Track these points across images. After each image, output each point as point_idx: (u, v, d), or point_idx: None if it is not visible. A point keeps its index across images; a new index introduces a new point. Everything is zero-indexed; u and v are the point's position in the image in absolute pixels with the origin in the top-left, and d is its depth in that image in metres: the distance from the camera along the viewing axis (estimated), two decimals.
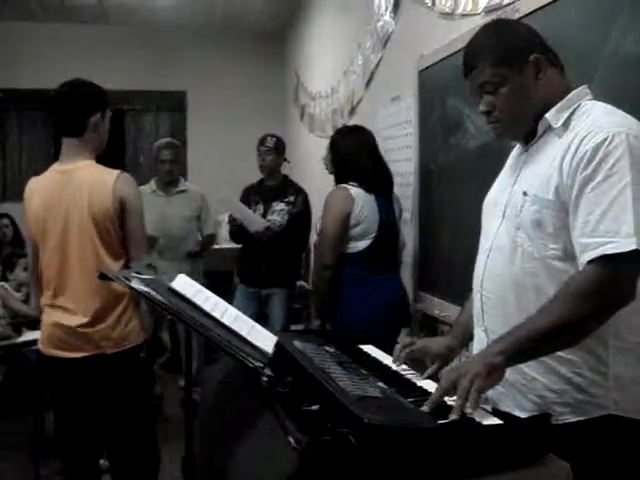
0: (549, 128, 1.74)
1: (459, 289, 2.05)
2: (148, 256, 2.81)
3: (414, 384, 1.77)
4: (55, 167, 2.85)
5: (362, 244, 3.46)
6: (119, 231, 2.76)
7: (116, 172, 2.80)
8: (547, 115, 1.72)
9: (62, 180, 2.77)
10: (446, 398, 1.56)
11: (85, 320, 2.72)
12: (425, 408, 1.51)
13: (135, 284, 1.76)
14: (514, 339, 1.60)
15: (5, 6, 7.55)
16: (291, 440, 1.30)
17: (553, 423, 1.56)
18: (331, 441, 1.27)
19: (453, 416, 1.46)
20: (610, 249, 1.53)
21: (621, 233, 1.52)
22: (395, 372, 1.88)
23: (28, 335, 4.48)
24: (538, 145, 1.78)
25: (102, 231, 2.72)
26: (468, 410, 1.47)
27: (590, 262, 1.56)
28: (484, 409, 1.60)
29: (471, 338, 1.96)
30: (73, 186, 2.74)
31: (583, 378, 1.64)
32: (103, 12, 7.85)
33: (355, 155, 3.53)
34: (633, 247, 1.51)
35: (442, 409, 1.53)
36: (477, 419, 1.48)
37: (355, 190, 3.45)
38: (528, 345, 1.60)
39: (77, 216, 2.72)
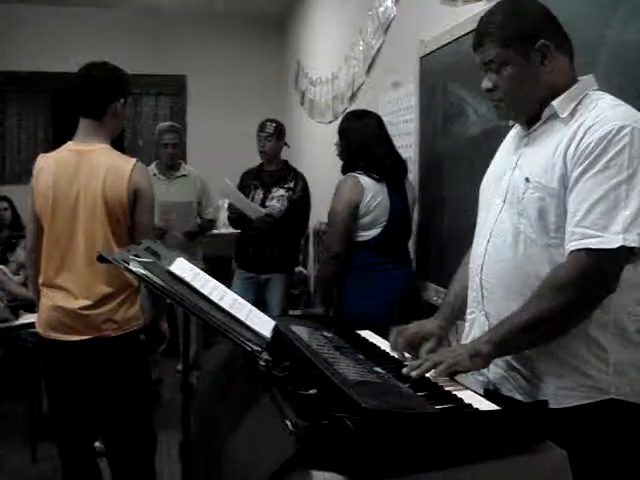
0: (554, 115, 1.73)
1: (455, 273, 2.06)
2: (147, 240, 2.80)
3: None
4: (69, 146, 2.83)
5: (372, 233, 3.44)
6: (129, 220, 2.76)
7: (132, 160, 2.80)
8: (554, 102, 1.72)
9: (76, 160, 2.75)
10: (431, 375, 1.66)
11: (87, 303, 2.71)
12: (406, 370, 1.63)
13: (133, 267, 1.76)
14: (500, 330, 1.66)
15: None
16: (288, 424, 1.30)
17: (556, 407, 1.59)
18: (328, 425, 1.27)
19: (413, 372, 1.62)
20: (595, 243, 1.54)
21: (609, 229, 1.53)
22: (392, 357, 1.89)
23: (26, 318, 4.47)
24: (541, 130, 1.77)
25: (113, 217, 2.72)
26: (434, 374, 1.63)
27: (574, 252, 1.58)
28: (477, 393, 1.61)
29: (458, 317, 1.99)
30: (88, 167, 2.73)
31: (585, 363, 1.66)
32: None
33: (368, 144, 3.47)
34: (619, 244, 1.52)
35: (437, 395, 1.54)
36: (475, 405, 1.48)
37: (365, 179, 3.41)
38: (513, 337, 1.64)
39: (90, 198, 2.71)
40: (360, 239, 3.44)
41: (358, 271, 3.45)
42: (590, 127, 1.61)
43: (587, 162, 1.58)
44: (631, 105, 1.67)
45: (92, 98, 2.79)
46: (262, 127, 4.93)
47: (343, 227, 3.42)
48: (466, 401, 1.52)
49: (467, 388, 1.64)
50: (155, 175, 5.18)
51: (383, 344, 2.01)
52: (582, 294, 1.58)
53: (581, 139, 1.61)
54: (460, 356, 1.63)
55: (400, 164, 3.56)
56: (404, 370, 1.63)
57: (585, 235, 1.55)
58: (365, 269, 3.44)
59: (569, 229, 1.60)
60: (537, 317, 1.60)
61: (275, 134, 4.89)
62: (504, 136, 1.97)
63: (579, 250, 1.56)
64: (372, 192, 3.40)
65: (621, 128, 1.57)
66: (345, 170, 3.55)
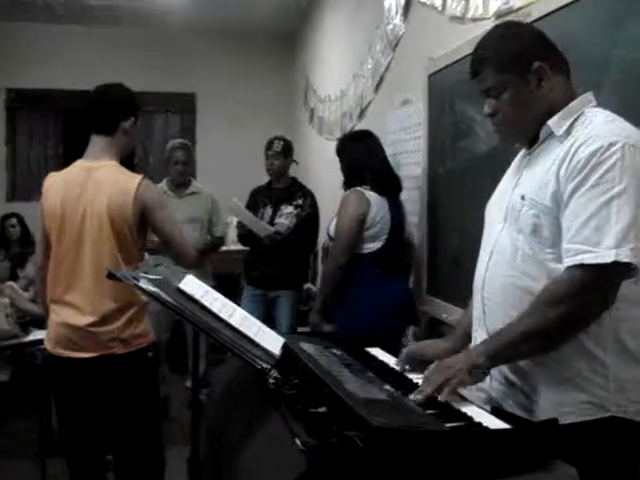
0: (551, 134, 1.75)
1: (467, 293, 2.05)
2: (157, 257, 2.82)
3: None
4: (78, 163, 2.86)
5: (374, 245, 3.55)
6: (136, 238, 2.77)
7: (138, 177, 2.81)
8: (549, 122, 1.74)
9: (83, 177, 2.78)
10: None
11: (94, 319, 2.71)
12: (412, 397, 1.59)
13: (143, 284, 1.76)
14: (494, 343, 1.68)
15: (17, 7, 7.58)
16: (298, 442, 1.30)
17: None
18: (338, 444, 1.27)
19: (418, 397, 1.58)
20: (589, 259, 1.55)
21: (602, 244, 1.54)
22: (402, 375, 1.89)
23: (35, 334, 4.49)
24: (539, 150, 1.79)
25: (119, 234, 2.73)
26: (441, 398, 1.58)
27: (569, 268, 1.59)
28: (483, 409, 1.61)
29: (469, 339, 1.98)
30: (94, 184, 2.75)
31: (584, 380, 1.66)
32: (114, 14, 7.85)
33: (368, 159, 3.64)
34: (612, 259, 1.52)
35: (446, 412, 1.54)
36: (484, 423, 1.48)
37: (369, 193, 3.54)
38: (506, 349, 1.66)
39: (96, 216, 2.73)
40: (364, 251, 3.54)
41: (361, 282, 3.53)
42: (582, 144, 1.63)
43: (579, 179, 1.60)
44: None
45: (104, 114, 2.84)
46: (269, 145, 4.94)
47: (350, 239, 3.52)
48: (475, 419, 1.51)
49: (473, 404, 1.64)
50: (165, 192, 5.18)
51: (392, 361, 2.01)
52: (575, 308, 1.58)
53: (573, 156, 1.63)
54: (460, 372, 1.63)
55: (396, 180, 3.72)
56: (411, 396, 1.61)
57: (579, 251, 1.57)
58: (367, 281, 3.53)
59: (564, 246, 1.62)
60: (530, 330, 1.62)
61: (282, 152, 4.91)
62: (513, 154, 1.98)
63: (574, 266, 1.58)
64: (377, 205, 3.53)
65: (611, 144, 1.58)
66: (348, 186, 3.66)
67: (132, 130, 2.90)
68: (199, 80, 8.49)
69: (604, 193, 1.56)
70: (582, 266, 1.56)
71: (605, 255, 1.53)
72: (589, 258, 1.55)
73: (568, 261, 1.59)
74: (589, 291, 1.57)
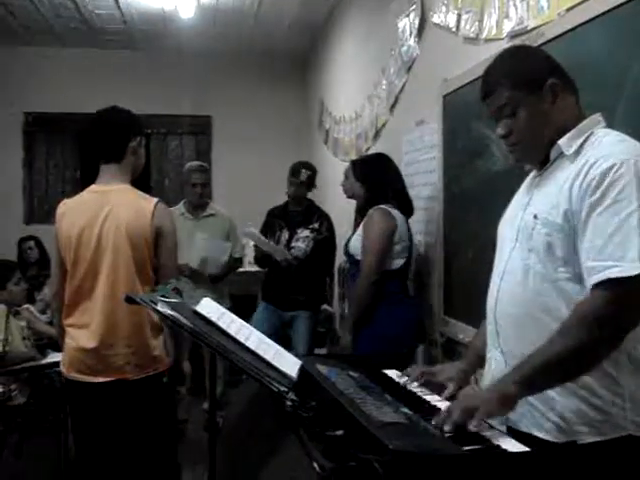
0: (561, 154, 1.76)
1: (484, 314, 2.05)
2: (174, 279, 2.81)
3: (439, 410, 1.75)
4: (92, 188, 2.87)
5: (398, 262, 3.65)
6: (153, 259, 2.78)
7: (154, 200, 2.83)
8: (560, 142, 1.75)
9: (98, 201, 2.79)
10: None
11: (108, 343, 2.72)
12: (441, 425, 1.54)
13: (161, 308, 1.77)
14: (527, 370, 1.62)
15: (34, 32, 7.69)
16: (315, 465, 1.30)
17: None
18: (356, 467, 1.26)
19: (447, 427, 1.52)
20: (615, 273, 1.54)
21: (626, 258, 1.54)
22: (420, 397, 1.87)
23: (53, 357, 4.49)
24: (550, 170, 1.80)
25: (138, 256, 2.74)
26: (471, 427, 1.52)
27: (596, 286, 1.58)
28: (499, 430, 1.60)
29: (483, 361, 1.96)
30: (109, 208, 2.76)
31: (600, 399, 1.65)
32: (129, 38, 7.96)
33: (390, 179, 3.76)
34: (638, 271, 1.52)
35: (464, 435, 1.52)
36: (503, 445, 1.47)
37: (393, 210, 3.64)
38: (540, 376, 1.62)
39: (112, 239, 2.73)
40: (393, 267, 3.63)
41: (390, 298, 3.60)
42: (594, 163, 1.63)
43: (595, 197, 1.61)
44: None
45: (110, 142, 2.84)
46: (296, 173, 4.93)
47: (381, 255, 3.58)
48: (493, 441, 1.50)
49: (491, 426, 1.63)
50: (183, 214, 5.22)
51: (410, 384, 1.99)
52: (607, 326, 1.56)
53: (585, 175, 1.64)
54: (489, 404, 1.58)
55: (411, 201, 3.82)
56: (433, 421, 1.59)
57: (604, 267, 1.56)
58: (396, 297, 3.63)
59: (588, 264, 1.60)
60: (562, 354, 1.59)
61: (307, 182, 4.92)
62: (527, 173, 1.98)
63: (600, 283, 1.57)
64: (400, 222, 3.64)
65: (624, 162, 1.59)
66: (370, 205, 3.70)
67: (139, 149, 2.92)
68: (215, 103, 8.56)
69: (622, 210, 1.57)
70: (609, 281, 1.55)
71: (630, 268, 1.53)
72: (615, 272, 1.54)
73: (594, 278, 1.58)
74: (618, 305, 1.55)
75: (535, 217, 1.74)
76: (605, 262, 1.56)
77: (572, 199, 1.65)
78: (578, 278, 1.66)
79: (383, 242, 3.56)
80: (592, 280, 1.59)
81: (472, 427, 1.53)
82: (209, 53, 8.34)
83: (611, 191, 1.59)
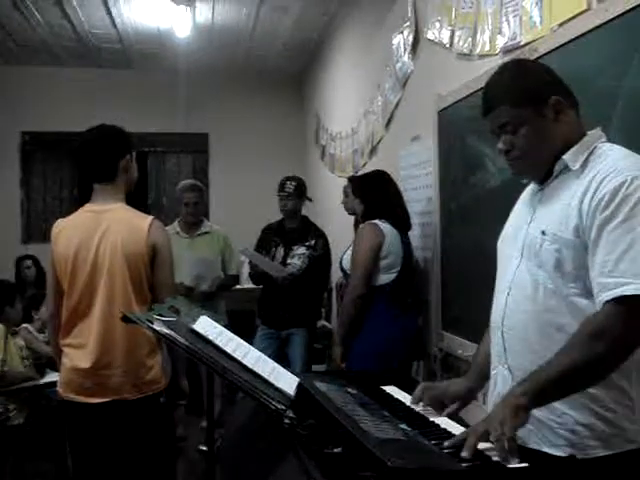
0: (565, 169, 1.75)
1: (482, 329, 2.04)
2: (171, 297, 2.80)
3: (437, 426, 1.74)
4: (86, 208, 2.86)
5: (387, 277, 3.64)
6: (150, 277, 2.78)
7: (149, 218, 2.83)
8: (565, 157, 1.74)
9: (94, 221, 2.78)
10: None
11: (105, 363, 2.70)
12: (465, 454, 1.47)
13: (158, 327, 1.77)
14: (535, 382, 1.60)
15: (31, 52, 7.72)
16: None
17: (585, 457, 1.55)
18: None
19: (464, 453, 1.46)
20: (629, 290, 1.53)
21: None
22: (418, 413, 1.87)
23: (51, 376, 4.48)
24: (554, 185, 1.79)
25: (134, 274, 2.74)
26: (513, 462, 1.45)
27: (608, 302, 1.57)
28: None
29: (487, 377, 1.95)
30: (105, 227, 2.76)
31: (611, 412, 1.64)
32: (126, 57, 8.00)
33: (387, 196, 3.78)
34: None
35: (462, 450, 1.51)
36: (502, 462, 1.46)
37: (384, 225, 3.65)
38: (549, 388, 1.60)
39: (109, 258, 2.73)
40: (380, 283, 3.63)
41: (376, 314, 3.60)
42: (604, 178, 1.63)
43: (607, 213, 1.60)
44: None
45: (100, 162, 2.83)
46: (282, 186, 4.95)
47: (367, 269, 3.60)
48: (492, 457, 1.49)
49: (492, 442, 1.62)
50: (178, 233, 5.23)
51: (408, 400, 1.99)
52: (619, 341, 1.56)
53: (595, 190, 1.63)
54: (505, 425, 1.52)
55: (408, 217, 3.84)
56: (445, 443, 1.54)
57: (618, 284, 1.55)
58: (383, 315, 3.61)
59: (600, 280, 1.59)
60: (574, 366, 1.57)
61: (295, 193, 4.92)
62: (524, 188, 1.99)
63: (614, 299, 1.56)
64: (390, 237, 3.64)
65: (634, 178, 1.59)
66: (366, 220, 3.74)
67: (131, 165, 2.90)
68: (212, 121, 8.58)
69: (635, 227, 1.56)
70: (624, 298, 1.54)
71: None
72: (630, 290, 1.53)
73: (608, 294, 1.56)
74: (633, 322, 1.55)
75: (543, 233, 1.73)
76: (619, 279, 1.55)
77: (582, 214, 1.64)
78: (588, 293, 1.65)
79: (368, 256, 3.59)
80: (605, 296, 1.57)
81: (496, 456, 1.47)
82: (205, 71, 8.37)
83: (623, 207, 1.58)
